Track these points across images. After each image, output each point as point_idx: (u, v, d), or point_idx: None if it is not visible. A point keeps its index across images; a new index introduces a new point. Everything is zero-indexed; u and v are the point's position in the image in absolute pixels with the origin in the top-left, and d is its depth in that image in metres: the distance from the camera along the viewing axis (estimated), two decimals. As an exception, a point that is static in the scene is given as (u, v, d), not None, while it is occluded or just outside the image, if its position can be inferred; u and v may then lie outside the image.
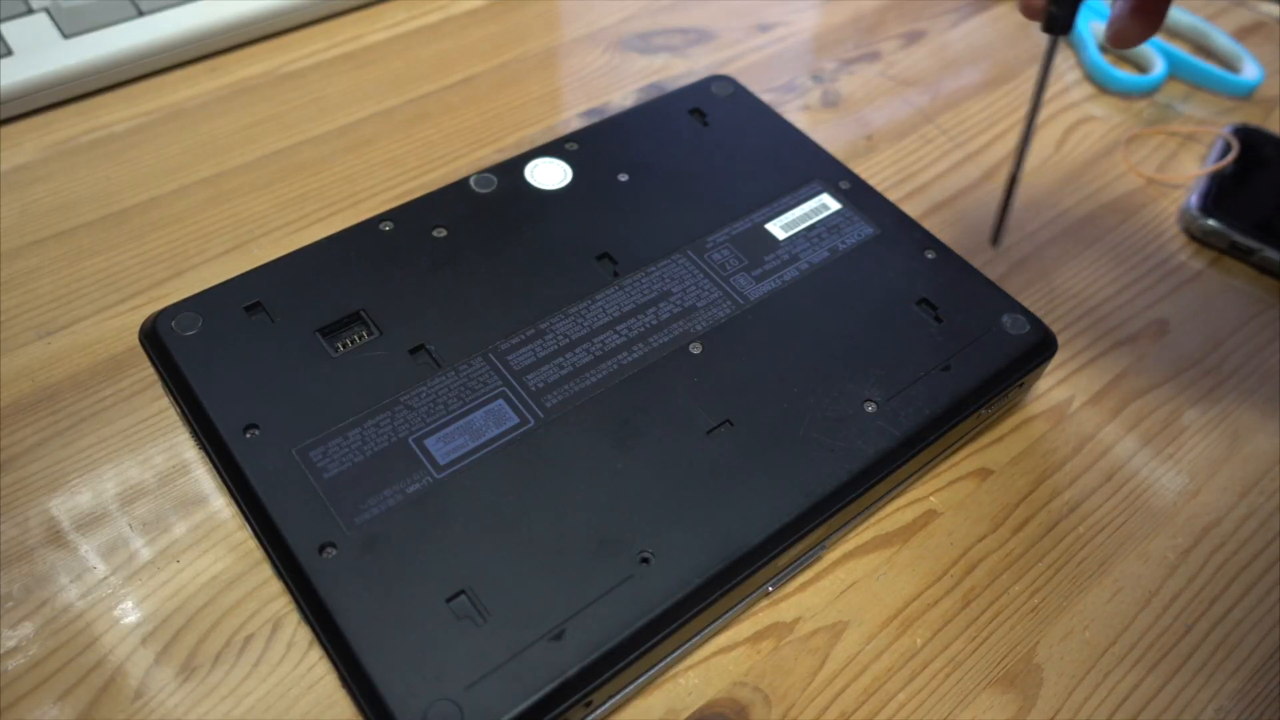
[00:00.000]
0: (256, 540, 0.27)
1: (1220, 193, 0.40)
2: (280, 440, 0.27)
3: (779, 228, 0.34)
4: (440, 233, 0.33)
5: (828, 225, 0.35)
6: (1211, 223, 0.39)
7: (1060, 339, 0.34)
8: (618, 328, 0.31)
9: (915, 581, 0.30)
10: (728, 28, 0.48)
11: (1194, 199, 0.40)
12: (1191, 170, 0.42)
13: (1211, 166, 0.41)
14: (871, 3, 0.50)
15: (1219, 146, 0.42)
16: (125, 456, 0.31)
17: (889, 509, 0.31)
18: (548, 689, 0.24)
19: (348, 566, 0.25)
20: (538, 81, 0.44)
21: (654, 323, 0.31)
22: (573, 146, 0.36)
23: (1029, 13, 0.28)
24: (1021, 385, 0.32)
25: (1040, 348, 0.32)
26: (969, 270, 0.34)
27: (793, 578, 0.29)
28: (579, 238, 0.33)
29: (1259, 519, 0.32)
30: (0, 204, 0.37)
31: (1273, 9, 0.51)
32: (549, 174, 0.35)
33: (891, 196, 0.39)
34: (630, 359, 0.30)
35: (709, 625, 0.27)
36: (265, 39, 0.44)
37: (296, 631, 0.27)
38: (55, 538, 0.29)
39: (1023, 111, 0.44)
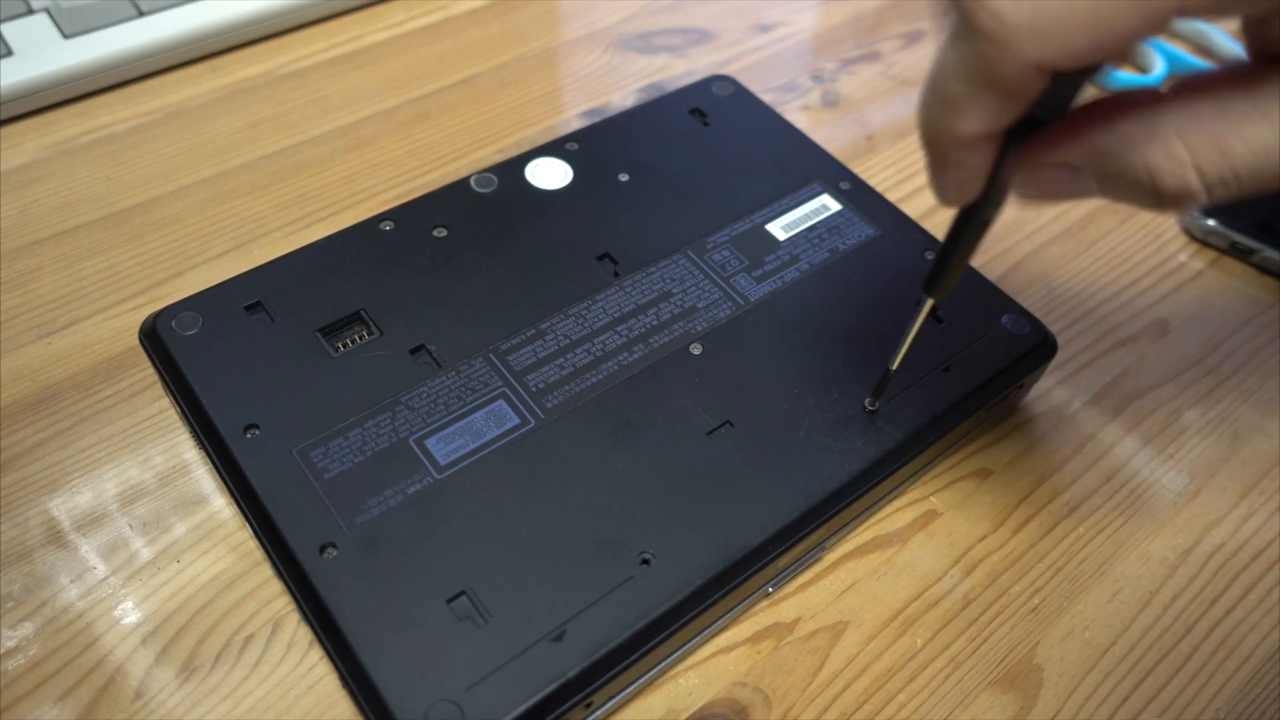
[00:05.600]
0: (256, 540, 0.27)
1: (1220, 193, 0.40)
2: (280, 440, 0.27)
3: (779, 228, 0.34)
4: (440, 233, 0.33)
5: (828, 226, 0.35)
6: (1211, 223, 0.39)
7: (1060, 339, 0.34)
8: (618, 328, 0.31)
9: (915, 581, 0.30)
10: (728, 28, 0.48)
11: (1194, 199, 0.40)
12: (1191, 170, 0.42)
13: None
14: (871, 3, 0.50)
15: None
16: (125, 456, 0.31)
17: (889, 509, 0.31)
18: (548, 690, 0.24)
19: (348, 567, 0.25)
20: (538, 81, 0.44)
21: (654, 323, 0.31)
22: (573, 146, 0.36)
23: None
24: (1021, 386, 0.32)
25: (1040, 348, 0.32)
26: (969, 272, 0.34)
27: (793, 578, 0.29)
28: (579, 238, 0.33)
29: (1259, 519, 0.32)
30: (0, 204, 0.37)
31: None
32: (549, 174, 0.35)
33: (892, 197, 0.39)
34: (631, 359, 0.30)
35: (709, 626, 0.27)
36: (265, 39, 0.44)
37: (297, 632, 0.27)
38: (55, 538, 0.29)
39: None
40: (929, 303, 0.27)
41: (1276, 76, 0.19)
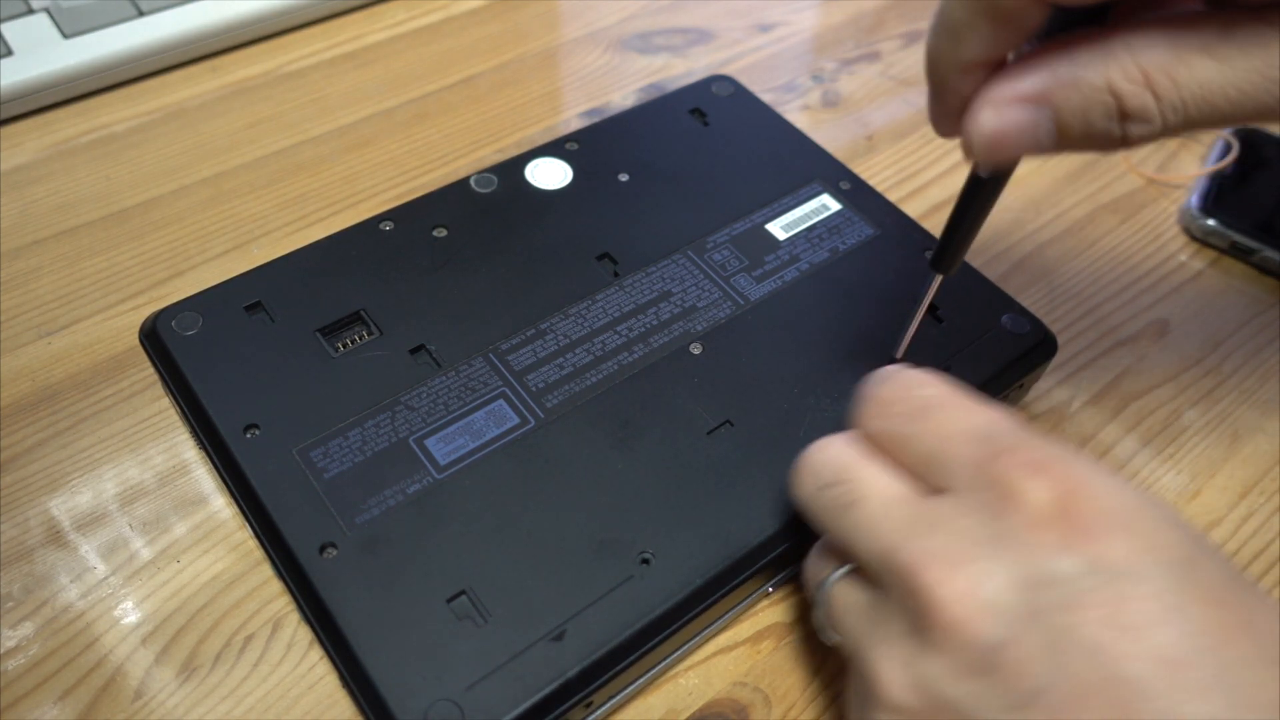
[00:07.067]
0: (256, 540, 0.27)
1: (1220, 193, 0.40)
2: (280, 440, 0.27)
3: (779, 228, 0.34)
4: (440, 233, 0.33)
5: (828, 226, 0.35)
6: (1211, 223, 0.39)
7: (1060, 339, 0.34)
8: (618, 328, 0.31)
9: (915, 582, 0.30)
10: (728, 28, 0.48)
11: (1194, 199, 0.40)
12: (1192, 170, 0.42)
13: (1212, 167, 0.41)
14: (871, 3, 0.50)
15: (1219, 147, 0.42)
16: (125, 456, 0.31)
17: (889, 509, 0.31)
18: (548, 689, 0.24)
19: (348, 566, 0.25)
20: (538, 81, 0.44)
21: (654, 323, 0.31)
22: (573, 146, 0.36)
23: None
24: (1021, 386, 0.32)
25: (1040, 348, 0.32)
26: (969, 270, 0.34)
27: (793, 578, 0.29)
28: (579, 238, 0.33)
29: (1259, 519, 0.32)
30: (0, 204, 0.37)
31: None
32: (549, 174, 0.35)
33: (891, 196, 0.39)
34: (631, 359, 0.30)
35: (709, 625, 0.27)
36: (265, 39, 0.44)
37: (296, 631, 0.27)
38: (55, 538, 0.29)
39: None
40: (937, 279, 0.27)
41: (1226, 17, 0.20)
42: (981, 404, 0.23)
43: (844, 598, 0.23)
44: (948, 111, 0.23)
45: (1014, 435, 0.21)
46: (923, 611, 0.20)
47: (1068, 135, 0.21)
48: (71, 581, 0.28)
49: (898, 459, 0.23)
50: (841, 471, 0.23)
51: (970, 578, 0.20)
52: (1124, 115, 0.20)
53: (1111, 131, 0.20)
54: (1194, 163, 0.43)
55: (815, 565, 0.25)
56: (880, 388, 0.24)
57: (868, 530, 0.22)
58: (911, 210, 0.39)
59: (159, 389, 0.32)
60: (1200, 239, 0.40)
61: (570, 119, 0.43)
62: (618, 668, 0.25)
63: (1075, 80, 0.20)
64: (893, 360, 0.29)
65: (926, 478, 0.22)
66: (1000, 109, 0.21)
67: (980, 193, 0.24)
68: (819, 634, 0.24)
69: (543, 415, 0.29)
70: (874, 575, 0.22)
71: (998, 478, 0.20)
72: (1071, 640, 0.19)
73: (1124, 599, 0.19)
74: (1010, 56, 0.22)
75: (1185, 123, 0.20)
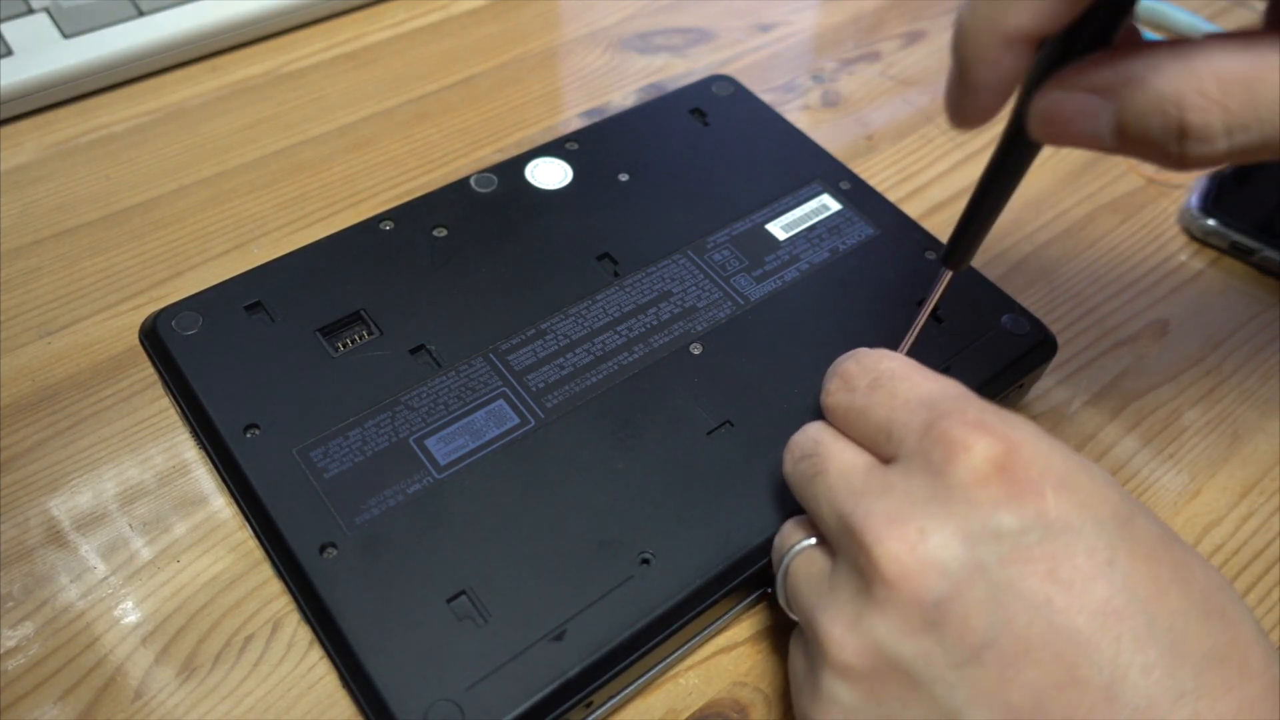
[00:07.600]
0: (257, 540, 0.27)
1: (1220, 193, 0.40)
2: (281, 440, 0.27)
3: (779, 228, 0.34)
4: (441, 233, 0.33)
5: (828, 226, 0.35)
6: (1211, 223, 0.39)
7: (1060, 339, 0.34)
8: (618, 328, 0.31)
9: (915, 582, 0.30)
10: (728, 28, 0.48)
11: (1194, 199, 0.40)
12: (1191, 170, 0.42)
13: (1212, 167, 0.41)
14: (871, 3, 0.50)
15: (1219, 147, 0.42)
16: (125, 456, 0.31)
17: (889, 509, 0.31)
18: (549, 689, 0.24)
19: (348, 567, 0.25)
20: (538, 81, 0.44)
21: (654, 323, 0.31)
22: (573, 146, 0.36)
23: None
24: (1021, 386, 0.32)
25: (1040, 348, 0.32)
26: (969, 270, 0.34)
27: (793, 578, 0.29)
28: (579, 238, 0.33)
29: (1259, 519, 0.32)
30: (0, 204, 0.37)
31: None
32: (549, 174, 0.35)
33: (891, 196, 0.39)
34: (631, 359, 0.30)
35: (709, 626, 0.27)
36: (265, 39, 0.44)
37: (296, 631, 0.27)
38: (55, 538, 0.29)
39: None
40: (947, 276, 0.27)
41: None
42: (935, 375, 0.23)
43: (803, 568, 0.24)
44: (974, 90, 0.21)
45: (957, 400, 0.22)
46: (868, 570, 0.20)
47: (1126, 136, 0.20)
48: (71, 581, 0.28)
49: (859, 431, 0.24)
50: (814, 445, 0.24)
51: (912, 534, 0.20)
52: (1183, 132, 0.20)
53: (1168, 146, 0.20)
54: (1194, 163, 0.43)
55: (782, 536, 0.25)
56: (845, 363, 0.25)
57: (826, 497, 0.23)
58: (911, 210, 0.39)
59: (159, 389, 0.32)
60: (1200, 239, 0.40)
61: (570, 119, 0.43)
62: (618, 668, 0.25)
63: (1144, 81, 0.20)
64: None
65: (882, 446, 0.23)
66: (1067, 89, 0.20)
67: (995, 187, 0.24)
68: (784, 609, 0.25)
69: (543, 415, 0.29)
70: (833, 543, 0.23)
71: (939, 438, 0.21)
72: (1014, 594, 0.19)
73: (1063, 553, 0.19)
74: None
75: (1261, 143, 0.19)
